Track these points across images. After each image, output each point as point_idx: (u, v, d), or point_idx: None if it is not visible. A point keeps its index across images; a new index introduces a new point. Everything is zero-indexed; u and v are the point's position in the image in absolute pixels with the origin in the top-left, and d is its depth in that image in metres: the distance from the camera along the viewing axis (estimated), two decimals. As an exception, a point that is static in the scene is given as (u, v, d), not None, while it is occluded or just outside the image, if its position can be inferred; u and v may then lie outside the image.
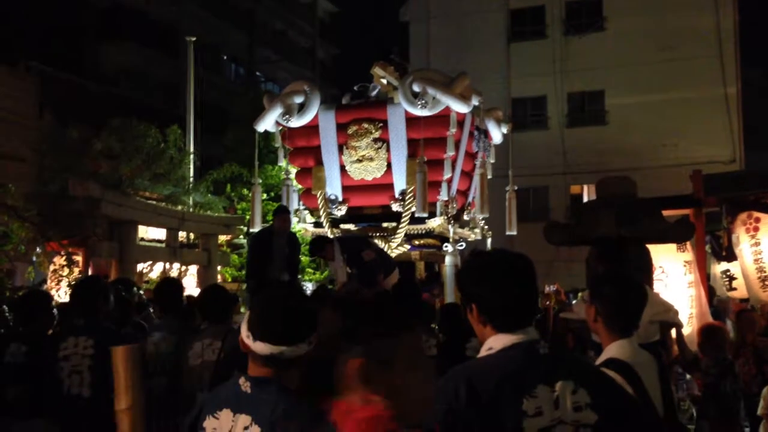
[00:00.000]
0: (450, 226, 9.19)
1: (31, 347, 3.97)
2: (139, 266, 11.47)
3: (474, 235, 10.37)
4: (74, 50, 21.47)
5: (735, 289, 8.02)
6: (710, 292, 8.19)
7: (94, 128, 12.58)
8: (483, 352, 1.89)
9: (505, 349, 1.83)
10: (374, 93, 9.65)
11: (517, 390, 1.75)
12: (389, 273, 7.52)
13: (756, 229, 6.87)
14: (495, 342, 1.86)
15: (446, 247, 9.16)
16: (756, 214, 6.89)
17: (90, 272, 10.22)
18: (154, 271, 12.00)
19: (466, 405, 1.72)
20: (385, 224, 9.22)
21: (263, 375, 1.95)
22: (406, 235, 9.09)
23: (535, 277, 1.93)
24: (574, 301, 9.12)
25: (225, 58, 29.52)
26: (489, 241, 10.62)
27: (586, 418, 1.79)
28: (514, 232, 10.36)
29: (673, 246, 6.38)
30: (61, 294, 9.43)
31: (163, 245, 12.06)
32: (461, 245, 9.80)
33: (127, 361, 2.41)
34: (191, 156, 14.46)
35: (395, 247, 9.08)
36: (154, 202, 12.63)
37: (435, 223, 8.99)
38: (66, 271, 9.95)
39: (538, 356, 1.83)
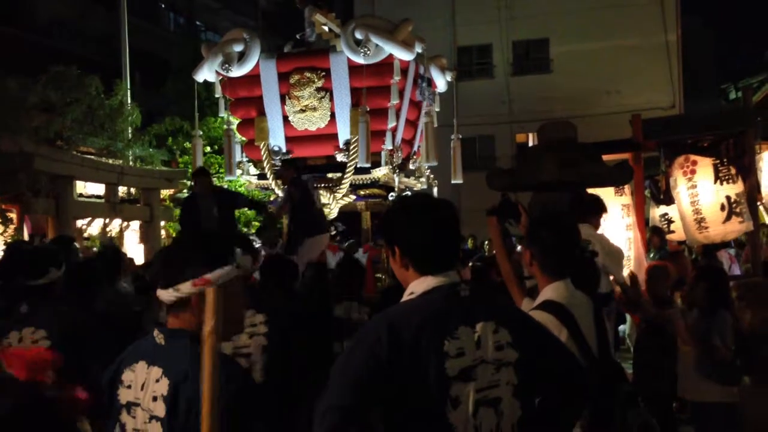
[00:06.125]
0: (395, 176, 9.16)
1: None
2: (78, 222, 11.12)
3: (420, 185, 10.37)
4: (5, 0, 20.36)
5: (673, 231, 8.23)
6: (660, 233, 8.38)
7: (30, 81, 12.00)
8: (405, 296, 1.89)
9: (426, 292, 1.85)
10: (311, 38, 9.45)
11: (438, 332, 1.76)
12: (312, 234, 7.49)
13: (693, 172, 6.99)
14: (416, 286, 1.87)
15: (392, 196, 9.14)
16: (693, 157, 7.00)
17: (26, 229, 9.88)
18: (93, 227, 11.67)
19: (388, 350, 1.71)
20: (330, 175, 9.14)
21: (176, 326, 1.93)
22: (351, 185, 9.03)
23: (458, 221, 1.94)
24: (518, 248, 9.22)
25: (163, 6, 28.47)
26: (435, 189, 10.65)
27: (507, 356, 1.82)
28: (460, 181, 10.40)
29: (610, 190, 6.47)
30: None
31: (102, 201, 11.71)
32: (407, 194, 9.79)
33: None
34: (136, 109, 13.98)
35: (341, 198, 9.02)
36: (92, 157, 12.21)
37: (380, 172, 8.94)
38: (0, 228, 9.60)
39: (459, 298, 1.84)
